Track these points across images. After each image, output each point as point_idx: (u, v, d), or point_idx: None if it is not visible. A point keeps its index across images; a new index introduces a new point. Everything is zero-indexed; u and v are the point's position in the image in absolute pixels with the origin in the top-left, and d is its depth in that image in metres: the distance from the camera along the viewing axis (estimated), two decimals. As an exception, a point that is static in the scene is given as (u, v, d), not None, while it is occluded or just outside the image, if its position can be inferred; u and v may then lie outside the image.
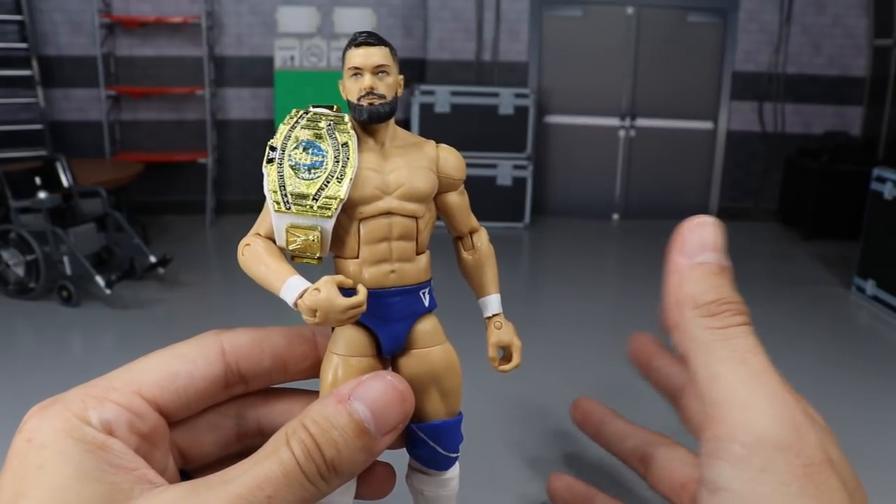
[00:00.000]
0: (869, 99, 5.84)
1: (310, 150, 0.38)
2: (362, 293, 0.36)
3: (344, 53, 0.40)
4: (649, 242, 5.37)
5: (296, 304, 0.36)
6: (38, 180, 3.83)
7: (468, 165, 0.42)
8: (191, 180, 5.71)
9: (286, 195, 0.37)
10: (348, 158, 0.38)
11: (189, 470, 0.40)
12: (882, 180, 4.00)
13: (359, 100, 0.39)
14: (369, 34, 0.39)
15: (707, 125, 6.05)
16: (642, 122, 6.01)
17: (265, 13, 5.62)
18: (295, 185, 0.37)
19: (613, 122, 6.02)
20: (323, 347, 0.40)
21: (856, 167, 5.10)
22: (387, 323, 0.39)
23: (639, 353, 0.48)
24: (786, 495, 0.32)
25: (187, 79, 5.58)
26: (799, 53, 5.85)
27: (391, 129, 0.40)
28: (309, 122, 0.39)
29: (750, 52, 5.86)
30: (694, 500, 0.41)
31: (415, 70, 5.67)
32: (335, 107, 0.40)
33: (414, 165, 0.40)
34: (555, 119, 5.99)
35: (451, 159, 0.42)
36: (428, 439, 0.40)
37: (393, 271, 0.39)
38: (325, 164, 0.38)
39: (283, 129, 0.39)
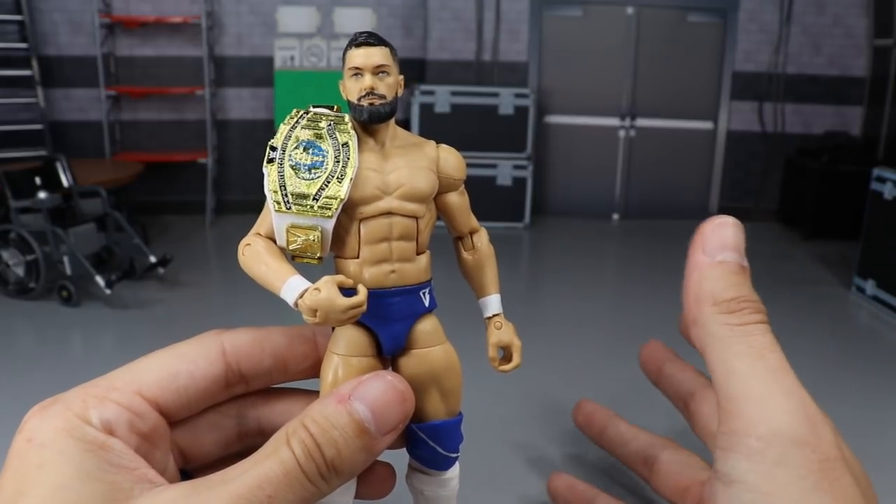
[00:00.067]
0: (869, 99, 5.84)
1: (310, 150, 0.38)
2: (362, 293, 0.36)
3: (344, 53, 0.40)
4: (649, 242, 5.38)
5: (296, 304, 0.36)
6: (38, 180, 3.83)
7: (468, 165, 0.42)
8: (191, 180, 5.71)
9: (287, 195, 0.37)
10: (349, 158, 0.38)
11: (189, 470, 0.40)
12: (882, 180, 4.00)
13: (359, 100, 0.39)
14: (370, 34, 0.39)
15: (707, 125, 6.05)
16: (642, 122, 6.01)
17: (265, 13, 5.62)
18: (295, 185, 0.37)
19: (613, 122, 6.02)
20: (323, 347, 0.40)
21: (856, 167, 5.11)
22: (387, 323, 0.39)
23: (649, 359, 0.48)
24: (800, 489, 0.32)
25: (187, 79, 5.59)
26: (799, 53, 5.86)
27: (391, 130, 0.40)
28: (309, 122, 0.39)
29: (750, 52, 5.86)
30: (698, 502, 0.41)
31: (415, 70, 5.67)
32: (335, 107, 0.40)
33: (414, 165, 0.40)
34: (555, 119, 5.99)
35: (451, 159, 0.42)
36: (428, 439, 0.40)
37: (393, 271, 0.39)
38: (325, 164, 0.38)
39: (283, 129, 0.39)
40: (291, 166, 0.38)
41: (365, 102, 0.39)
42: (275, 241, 0.39)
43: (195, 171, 5.63)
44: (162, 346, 0.39)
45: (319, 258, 0.39)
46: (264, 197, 0.38)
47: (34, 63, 5.17)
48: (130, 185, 4.90)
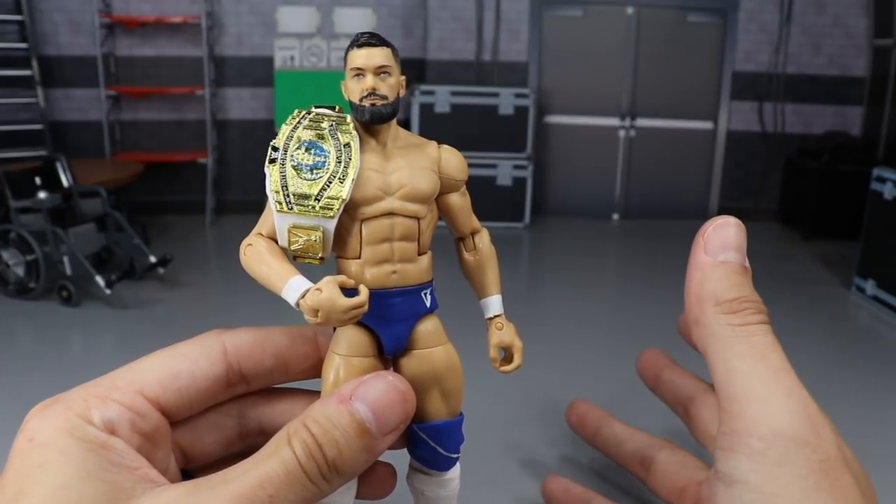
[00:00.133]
0: (869, 99, 5.84)
1: (312, 151, 0.38)
2: (364, 293, 0.37)
3: (346, 54, 0.40)
4: (649, 242, 5.38)
5: (298, 305, 0.36)
6: (38, 180, 3.83)
7: (468, 165, 0.42)
8: (191, 180, 5.71)
9: (288, 195, 0.37)
10: (350, 159, 0.38)
11: (191, 469, 0.40)
12: (882, 180, 4.01)
13: (361, 100, 0.39)
14: (371, 35, 0.39)
15: (707, 125, 6.05)
16: (642, 122, 6.01)
17: (265, 13, 5.62)
18: (297, 185, 0.38)
19: (613, 122, 6.02)
20: (324, 347, 0.40)
21: (856, 167, 5.11)
22: (388, 323, 0.39)
23: (647, 366, 0.48)
24: (802, 489, 0.32)
25: (187, 79, 5.59)
26: (799, 53, 5.86)
27: (393, 130, 0.40)
28: (311, 123, 0.39)
29: (750, 52, 5.86)
30: (696, 502, 0.41)
31: (415, 70, 5.67)
32: (337, 107, 0.40)
33: (416, 166, 0.40)
34: (555, 119, 5.99)
35: (452, 160, 0.42)
36: (429, 440, 0.40)
37: (395, 272, 0.39)
38: (327, 164, 0.38)
39: (285, 130, 0.39)
40: (293, 167, 0.38)
41: (367, 103, 0.39)
42: (276, 242, 0.39)
43: (195, 171, 5.63)
44: (162, 346, 0.39)
45: (321, 258, 0.39)
46: (264, 197, 0.38)
47: (34, 63, 5.17)
48: (130, 185, 4.90)
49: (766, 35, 5.83)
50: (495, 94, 5.39)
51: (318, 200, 0.37)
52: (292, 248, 0.38)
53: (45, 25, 5.37)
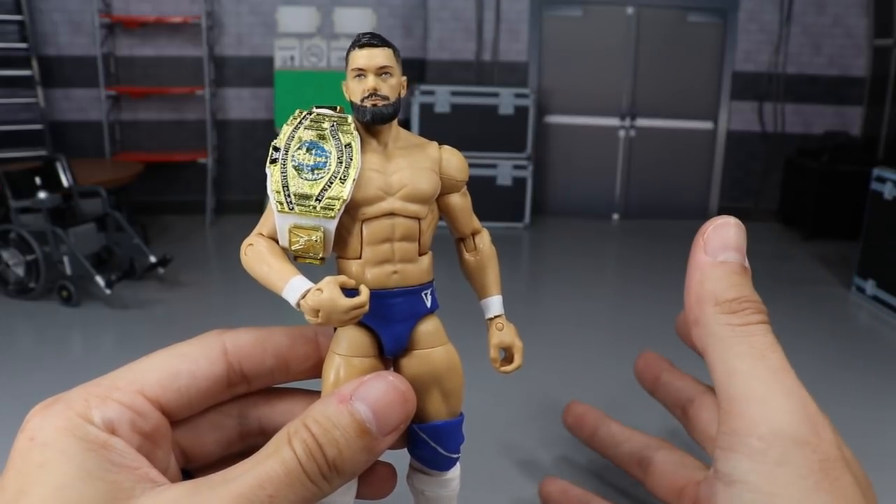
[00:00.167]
0: (869, 99, 5.84)
1: (313, 151, 0.38)
2: (365, 294, 0.37)
3: (347, 54, 0.40)
4: (649, 242, 5.38)
5: (298, 305, 0.36)
6: (38, 180, 3.83)
7: (468, 165, 0.42)
8: (191, 180, 5.71)
9: (289, 195, 0.38)
10: (351, 159, 0.38)
11: (191, 469, 0.40)
12: (882, 180, 4.01)
13: (362, 101, 0.39)
14: (372, 35, 0.39)
15: (707, 125, 6.05)
16: (642, 122, 6.02)
17: (265, 13, 5.62)
18: (298, 185, 0.38)
19: (613, 122, 6.02)
20: (325, 347, 0.40)
21: (856, 167, 5.11)
22: (389, 323, 0.39)
23: (645, 369, 0.48)
24: (802, 489, 0.32)
25: (187, 79, 5.59)
26: (799, 53, 5.86)
27: (394, 131, 0.40)
28: (312, 123, 0.39)
29: (750, 52, 5.86)
30: (695, 502, 0.41)
31: (415, 70, 5.67)
32: (338, 108, 0.40)
33: (417, 167, 0.40)
34: (555, 119, 5.99)
35: (453, 160, 0.42)
36: (429, 440, 0.40)
37: (395, 272, 0.39)
38: (328, 164, 0.38)
39: (286, 130, 0.39)
40: (294, 167, 0.38)
41: (368, 103, 0.39)
42: (277, 242, 0.39)
43: (195, 171, 5.63)
44: (162, 346, 0.39)
45: (322, 259, 0.39)
46: (265, 197, 0.38)
47: (34, 63, 5.17)
48: (130, 185, 4.90)
49: (766, 35, 5.83)
50: (495, 94, 5.39)
51: (319, 201, 0.37)
52: (293, 248, 0.38)
53: (45, 25, 5.37)
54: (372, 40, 0.39)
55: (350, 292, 0.36)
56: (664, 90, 5.95)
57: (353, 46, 0.39)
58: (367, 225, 0.39)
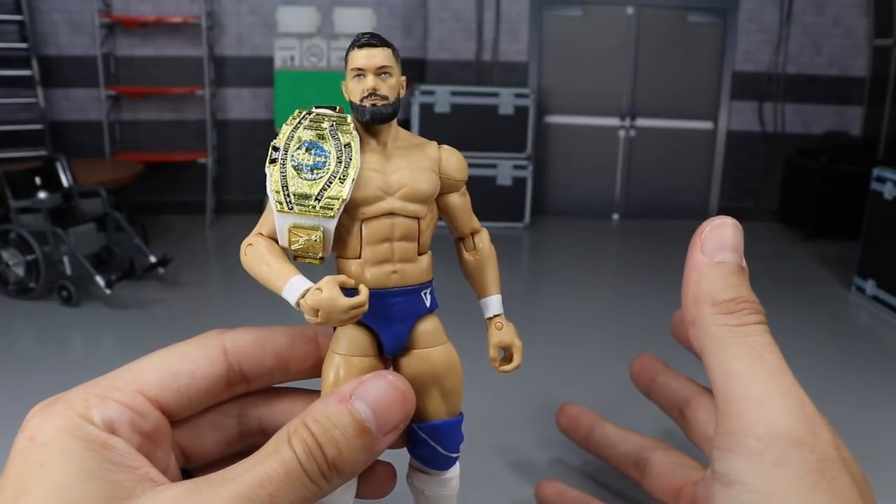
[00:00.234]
0: (869, 99, 5.84)
1: (312, 151, 0.38)
2: (364, 293, 0.37)
3: (347, 54, 0.40)
4: (649, 242, 5.38)
5: (298, 304, 0.36)
6: (38, 180, 3.83)
7: (468, 165, 0.43)
8: (191, 180, 5.71)
9: (289, 195, 0.38)
10: (351, 159, 0.38)
11: (191, 469, 0.40)
12: (882, 180, 4.01)
13: (361, 101, 0.39)
14: (372, 35, 0.39)
15: (707, 125, 6.05)
16: (642, 122, 6.02)
17: (265, 13, 5.62)
18: (297, 185, 0.38)
19: (613, 122, 6.02)
20: (325, 347, 0.40)
21: (856, 167, 5.11)
22: (388, 323, 0.39)
23: (641, 371, 0.48)
24: (799, 489, 0.32)
25: (187, 79, 5.59)
26: (799, 53, 5.86)
27: (393, 130, 0.41)
28: (312, 123, 0.39)
29: (750, 52, 5.86)
30: (692, 502, 0.41)
31: (415, 70, 5.67)
32: (338, 107, 0.40)
33: (416, 166, 0.40)
34: (555, 119, 5.99)
35: (452, 160, 0.42)
36: (429, 439, 0.40)
37: (395, 272, 0.39)
38: (327, 164, 0.38)
39: (285, 130, 0.39)
40: (294, 167, 0.38)
41: (367, 103, 0.39)
42: (277, 242, 0.39)
43: (195, 171, 5.63)
44: (162, 346, 0.39)
45: (321, 258, 0.39)
46: (265, 197, 0.38)
47: (34, 63, 5.17)
48: (130, 185, 4.90)
49: (766, 35, 5.83)
50: (495, 94, 5.39)
51: (319, 200, 0.37)
52: (292, 247, 0.38)
53: (45, 25, 5.37)
54: (371, 40, 0.39)
55: (349, 292, 0.36)
56: (664, 90, 5.95)
57: (352, 46, 0.39)
58: (366, 224, 0.39)
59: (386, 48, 0.39)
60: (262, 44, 5.65)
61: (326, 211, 0.37)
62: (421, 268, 0.40)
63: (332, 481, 0.34)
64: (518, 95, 5.39)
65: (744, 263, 0.38)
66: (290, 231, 0.38)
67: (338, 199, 0.37)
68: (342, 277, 0.37)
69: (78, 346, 3.42)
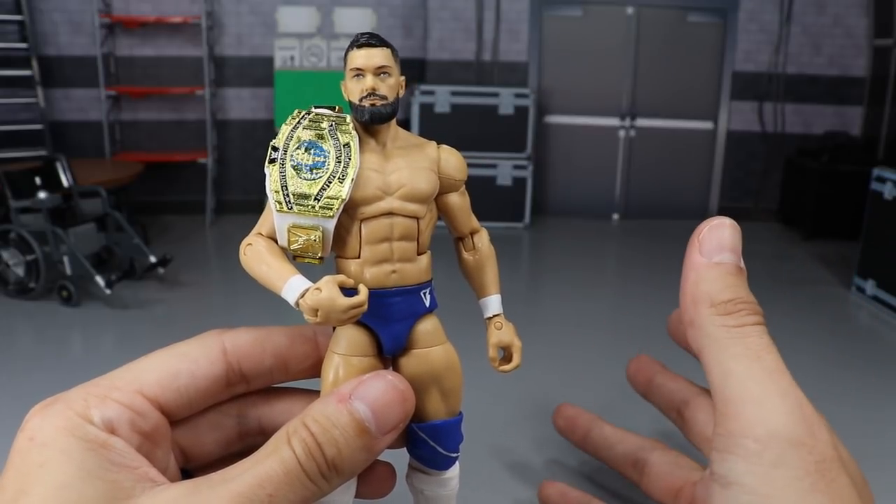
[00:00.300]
0: (869, 99, 5.84)
1: (312, 151, 0.38)
2: (363, 293, 0.37)
3: (346, 54, 0.40)
4: (649, 242, 5.38)
5: (297, 304, 0.36)
6: (38, 180, 3.83)
7: (468, 165, 0.43)
8: (191, 180, 5.71)
9: (288, 195, 0.38)
10: (350, 159, 0.38)
11: (190, 469, 0.40)
12: (882, 180, 4.01)
13: (360, 100, 0.39)
14: (371, 35, 0.39)
15: (707, 125, 6.05)
16: (642, 122, 6.01)
17: (265, 13, 5.62)
18: (297, 185, 0.38)
19: (613, 122, 6.02)
20: (324, 347, 0.40)
21: (856, 167, 5.11)
22: (388, 323, 0.39)
23: (638, 372, 0.48)
24: (798, 490, 0.32)
25: (187, 79, 5.59)
26: (799, 53, 5.86)
27: (393, 130, 0.41)
28: (311, 123, 0.39)
29: (750, 52, 5.86)
30: (691, 503, 0.41)
31: (415, 70, 5.67)
32: (337, 107, 0.40)
33: (415, 166, 0.40)
34: (555, 119, 5.99)
35: (452, 160, 0.42)
36: (428, 439, 0.40)
37: (394, 271, 0.39)
38: (326, 164, 0.38)
39: (285, 130, 0.39)
40: (293, 166, 0.38)
41: (366, 103, 0.39)
42: (276, 241, 0.39)
43: (195, 171, 5.63)
44: (162, 346, 0.39)
45: (320, 258, 0.39)
46: (264, 197, 0.38)
47: (34, 63, 5.17)
48: (130, 185, 4.90)
49: (766, 35, 5.83)
50: (495, 94, 5.39)
51: (318, 200, 0.37)
52: (292, 247, 0.38)
53: (45, 25, 5.37)
54: (370, 40, 0.39)
55: (349, 292, 0.36)
56: (664, 90, 5.95)
57: (351, 46, 0.40)
58: (365, 224, 0.39)
59: (385, 48, 0.39)
60: (262, 44, 5.65)
61: (326, 211, 0.37)
62: (420, 267, 0.40)
63: (332, 481, 0.34)
64: (518, 95, 5.39)
65: (742, 264, 0.38)
66: (289, 231, 0.38)
67: (337, 198, 0.37)
68: (341, 277, 0.37)
69: (78, 346, 3.42)
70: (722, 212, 5.85)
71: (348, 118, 0.39)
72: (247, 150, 5.85)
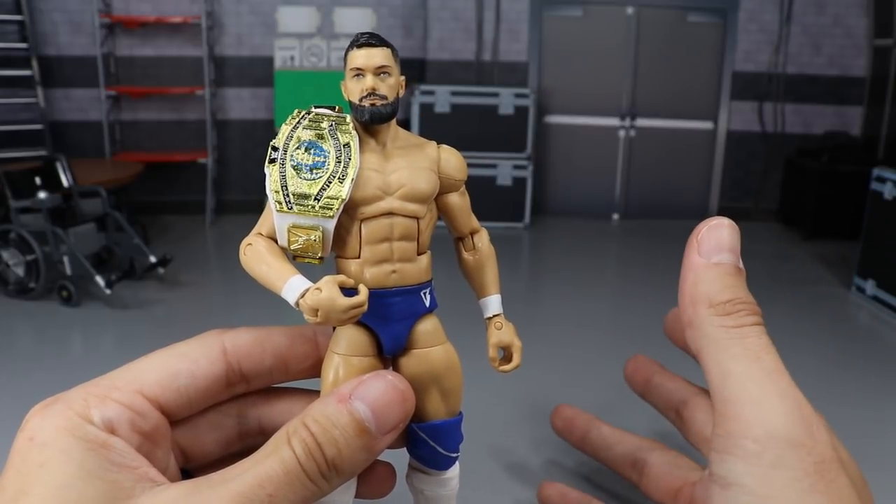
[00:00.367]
0: (869, 99, 5.84)
1: (312, 151, 0.38)
2: (363, 293, 0.37)
3: (346, 54, 0.40)
4: (649, 242, 5.38)
5: (297, 304, 0.36)
6: (38, 180, 3.83)
7: (468, 165, 0.43)
8: (191, 180, 5.71)
9: (288, 195, 0.38)
10: (350, 159, 0.38)
11: (190, 469, 0.40)
12: (882, 180, 4.01)
13: (360, 100, 0.39)
14: (371, 35, 0.39)
15: (707, 125, 6.05)
16: (642, 122, 6.01)
17: (265, 13, 5.62)
18: (297, 185, 0.38)
19: (613, 122, 6.02)
20: (324, 347, 0.40)
21: (856, 167, 5.11)
22: (388, 323, 0.39)
23: (636, 372, 0.48)
24: (797, 491, 0.32)
25: (187, 79, 5.59)
26: (799, 53, 5.86)
27: (393, 130, 0.41)
28: (311, 123, 0.39)
29: (750, 52, 5.86)
30: (690, 503, 0.41)
31: (415, 70, 5.67)
32: (337, 107, 0.40)
33: (415, 166, 0.40)
34: (555, 119, 5.99)
35: (452, 160, 0.42)
36: (428, 439, 0.40)
37: (394, 271, 0.39)
38: (326, 164, 0.38)
39: (285, 130, 0.39)
40: (293, 166, 0.38)
41: (366, 103, 0.39)
42: (276, 241, 0.39)
43: (195, 171, 5.63)
44: (162, 346, 0.39)
45: (320, 258, 0.39)
46: (264, 197, 0.38)
47: (34, 63, 5.17)
48: (130, 185, 4.90)
49: (766, 35, 5.83)
50: (495, 94, 5.39)
51: (318, 200, 0.37)
52: (292, 247, 0.38)
53: (45, 25, 5.36)
54: (370, 40, 0.39)
55: (349, 292, 0.36)
56: (664, 90, 5.95)
57: (351, 46, 0.40)
58: (365, 224, 0.39)
59: (385, 48, 0.39)
60: (262, 44, 5.65)
61: (326, 211, 0.37)
62: (420, 267, 0.40)
63: (332, 481, 0.34)
64: (518, 95, 5.39)
65: (740, 264, 0.38)
66: (289, 231, 0.38)
67: (337, 198, 0.37)
68: (341, 277, 0.37)
69: (78, 346, 3.42)
70: (722, 212, 5.86)
71: (348, 118, 0.39)
72: (247, 150, 5.85)
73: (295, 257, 0.39)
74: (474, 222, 0.44)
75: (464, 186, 0.43)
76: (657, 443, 0.47)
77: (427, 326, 0.40)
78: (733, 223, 0.38)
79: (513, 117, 5.39)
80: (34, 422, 0.34)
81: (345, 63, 0.40)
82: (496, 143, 5.40)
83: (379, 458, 0.37)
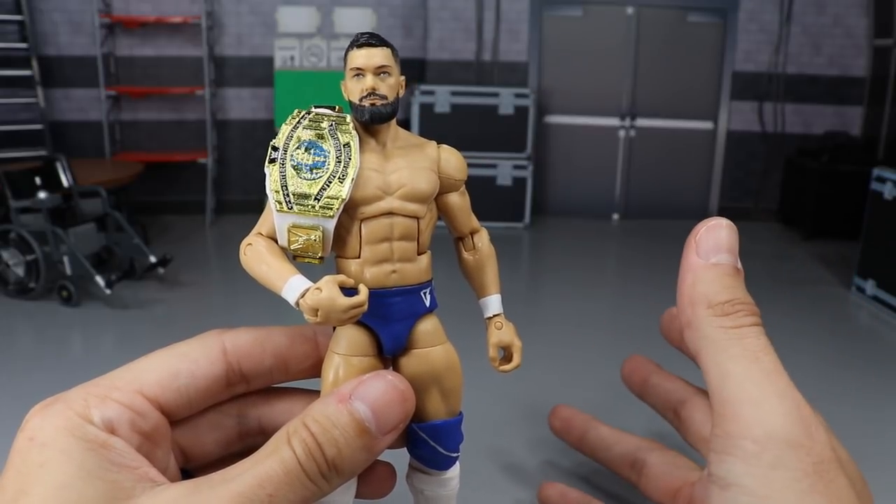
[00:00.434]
0: (869, 99, 5.84)
1: (312, 151, 0.38)
2: (364, 293, 0.37)
3: (346, 54, 0.40)
4: (649, 242, 5.38)
5: (297, 304, 0.36)
6: (38, 180, 3.83)
7: (468, 165, 0.43)
8: (191, 180, 5.71)
9: (288, 195, 0.38)
10: (350, 159, 0.38)
11: (190, 469, 0.40)
12: (882, 180, 4.00)
13: (360, 100, 0.39)
14: (371, 35, 0.39)
15: (707, 125, 6.05)
16: (642, 122, 6.01)
17: (265, 13, 5.62)
18: (297, 184, 0.38)
19: (613, 122, 6.02)
20: (324, 347, 0.40)
21: (856, 167, 5.10)
22: (388, 323, 0.39)
23: (633, 372, 0.48)
24: (797, 492, 0.32)
25: (187, 79, 5.59)
26: (799, 53, 5.86)
27: (393, 130, 0.41)
28: (311, 123, 0.39)
29: (750, 52, 5.86)
30: (689, 503, 0.41)
31: (415, 70, 5.67)
32: (337, 107, 0.40)
33: (415, 166, 0.40)
34: (555, 119, 5.99)
35: (452, 160, 0.42)
36: (428, 439, 0.40)
37: (394, 271, 0.39)
38: (326, 164, 0.38)
39: (285, 130, 0.39)
40: (293, 166, 0.38)
41: (366, 103, 0.39)
42: (276, 241, 0.39)
43: (195, 171, 5.63)
44: (162, 346, 0.39)
45: (321, 258, 0.39)
46: (264, 197, 0.38)
47: (34, 63, 5.17)
48: (130, 185, 4.90)
49: (766, 35, 5.83)
50: (495, 94, 5.39)
51: (318, 200, 0.37)
52: (292, 247, 0.38)
53: (45, 25, 5.36)
54: (370, 40, 0.39)
55: (349, 291, 0.36)
56: (664, 90, 5.95)
57: (351, 46, 0.40)
58: (365, 224, 0.39)
59: (385, 48, 0.39)
60: (262, 44, 5.65)
61: (326, 210, 0.37)
62: (420, 267, 0.40)
63: (332, 481, 0.34)
64: (518, 95, 5.39)
65: (739, 265, 0.38)
66: (289, 231, 0.38)
67: (337, 198, 0.37)
68: (341, 277, 0.37)
69: (78, 346, 3.42)
70: (722, 212, 5.86)
71: (348, 118, 0.39)
72: (247, 150, 5.85)
73: (295, 257, 0.39)
74: (474, 222, 0.44)
75: (464, 186, 0.43)
76: (656, 443, 0.47)
77: (427, 326, 0.40)
78: (731, 224, 0.38)
79: (513, 117, 5.39)
80: (34, 422, 0.34)
81: (345, 63, 0.40)
82: (496, 143, 5.40)
83: (379, 458, 0.37)
